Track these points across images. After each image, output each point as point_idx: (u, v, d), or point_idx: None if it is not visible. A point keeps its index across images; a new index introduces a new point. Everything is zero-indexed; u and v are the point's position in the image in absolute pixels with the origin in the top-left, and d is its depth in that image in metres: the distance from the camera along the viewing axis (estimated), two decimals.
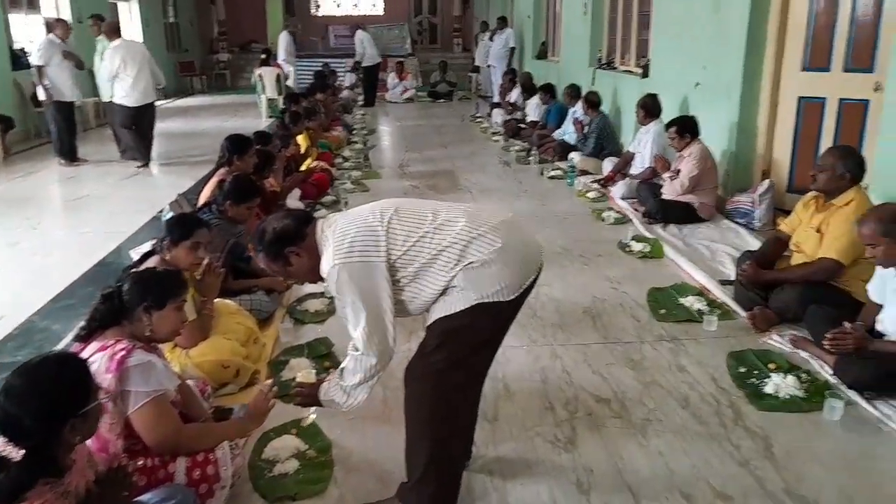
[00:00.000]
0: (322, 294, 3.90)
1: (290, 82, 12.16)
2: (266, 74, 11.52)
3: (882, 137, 3.84)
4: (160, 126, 8.68)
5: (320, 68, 12.74)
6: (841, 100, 4.77)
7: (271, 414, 2.72)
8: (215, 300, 3.09)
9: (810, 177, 3.45)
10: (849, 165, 3.29)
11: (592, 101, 7.31)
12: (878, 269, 2.97)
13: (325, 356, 3.21)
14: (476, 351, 2.09)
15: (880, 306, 2.98)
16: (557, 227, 5.32)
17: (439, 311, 2.03)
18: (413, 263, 2.00)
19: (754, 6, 5.02)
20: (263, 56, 12.04)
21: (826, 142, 4.79)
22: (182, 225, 2.95)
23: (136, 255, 4.03)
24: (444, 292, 2.01)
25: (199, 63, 17.79)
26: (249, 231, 3.98)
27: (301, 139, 6.48)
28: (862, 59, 4.60)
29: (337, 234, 2.02)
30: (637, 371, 3.08)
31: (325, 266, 2.01)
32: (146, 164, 7.79)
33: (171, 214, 4.16)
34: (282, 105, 9.25)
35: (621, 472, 2.39)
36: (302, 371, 2.69)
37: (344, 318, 2.08)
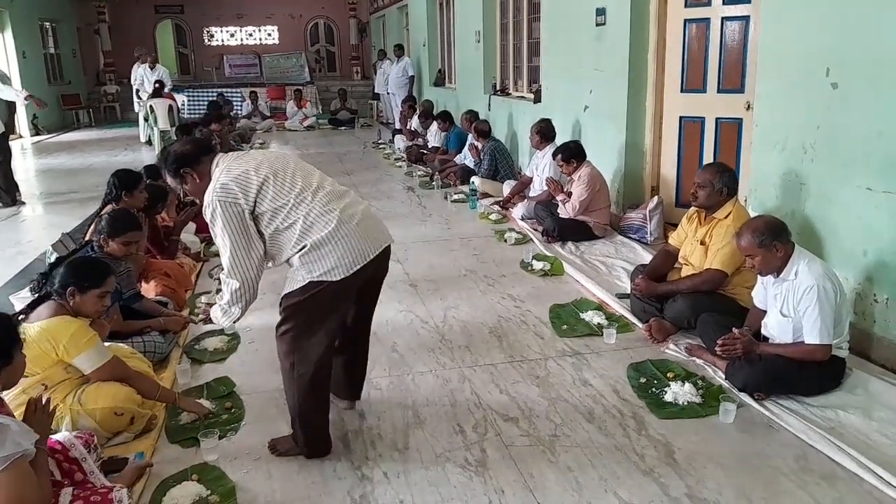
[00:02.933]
0: (221, 331, 3.76)
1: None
2: (158, 106, 11.11)
3: (754, 153, 4.11)
4: (42, 163, 8.20)
5: (214, 98, 12.41)
6: (717, 119, 5.09)
7: (169, 460, 2.61)
8: (107, 345, 2.91)
9: (691, 194, 3.65)
10: (725, 181, 3.50)
11: (481, 130, 7.52)
12: (760, 277, 3.16)
13: (225, 396, 3.08)
14: (314, 322, 2.43)
15: (764, 311, 3.17)
16: (462, 250, 5.38)
17: (285, 289, 2.43)
18: (271, 225, 2.36)
19: (633, 34, 5.30)
20: (156, 86, 11.61)
21: (707, 158, 5.09)
22: (92, 271, 2.80)
23: (17, 302, 3.77)
24: (290, 265, 2.41)
25: (84, 95, 16.98)
26: (138, 269, 3.81)
27: None
28: (733, 80, 4.94)
29: (222, 170, 2.39)
30: (543, 387, 3.13)
31: (206, 197, 2.36)
32: (13, 203, 7.27)
33: (55, 256, 3.91)
34: (174, 137, 8.92)
35: (532, 491, 2.40)
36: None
37: (217, 245, 2.42)
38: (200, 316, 2.84)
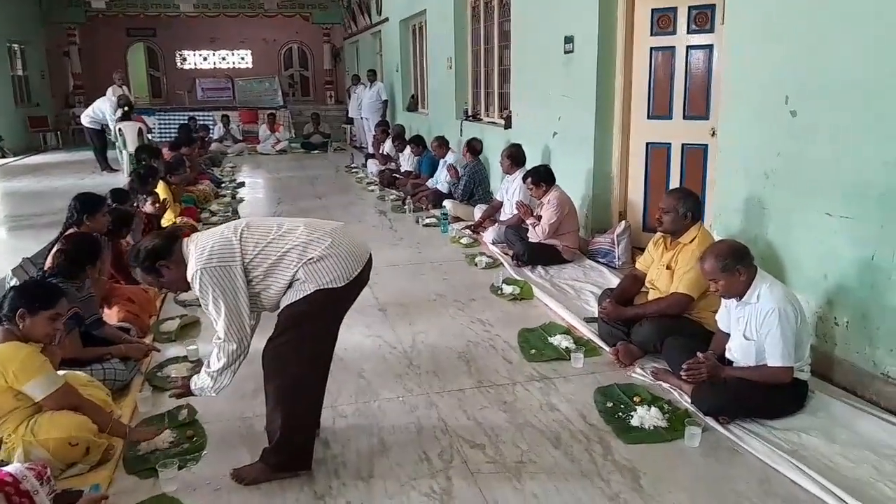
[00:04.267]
0: (185, 358, 3.70)
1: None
2: (126, 129, 10.97)
3: (719, 178, 4.19)
4: (6, 186, 8.06)
5: (185, 121, 12.32)
6: (683, 144, 5.19)
7: (127, 491, 2.54)
8: (63, 373, 2.84)
9: (657, 219, 3.70)
10: (688, 205, 3.55)
11: (473, 147, 7.54)
12: (724, 301, 3.19)
13: (187, 425, 3.01)
14: (317, 330, 2.54)
15: (729, 335, 3.20)
16: (433, 274, 5.37)
17: (285, 301, 2.50)
18: (263, 264, 2.47)
19: (600, 61, 5.39)
20: (125, 109, 11.49)
21: (674, 183, 5.17)
22: (41, 292, 2.72)
23: None
24: (290, 286, 2.48)
25: (52, 118, 16.75)
26: (100, 294, 3.74)
27: (161, 190, 6.18)
28: (698, 107, 5.04)
29: (199, 246, 2.47)
30: (510, 413, 3.12)
31: (190, 271, 2.44)
32: None
33: (14, 281, 3.82)
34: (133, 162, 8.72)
35: None
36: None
37: (209, 314, 2.50)
38: (172, 392, 2.85)
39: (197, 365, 3.64)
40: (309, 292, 2.46)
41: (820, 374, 3.33)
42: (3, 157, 13.38)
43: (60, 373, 2.78)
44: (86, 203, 4.03)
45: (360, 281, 2.58)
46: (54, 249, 3.43)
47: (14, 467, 2.28)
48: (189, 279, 2.46)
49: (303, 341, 2.51)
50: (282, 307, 2.52)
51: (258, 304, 2.56)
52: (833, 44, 3.22)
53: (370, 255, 2.68)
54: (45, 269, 3.45)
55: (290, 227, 2.55)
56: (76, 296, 3.27)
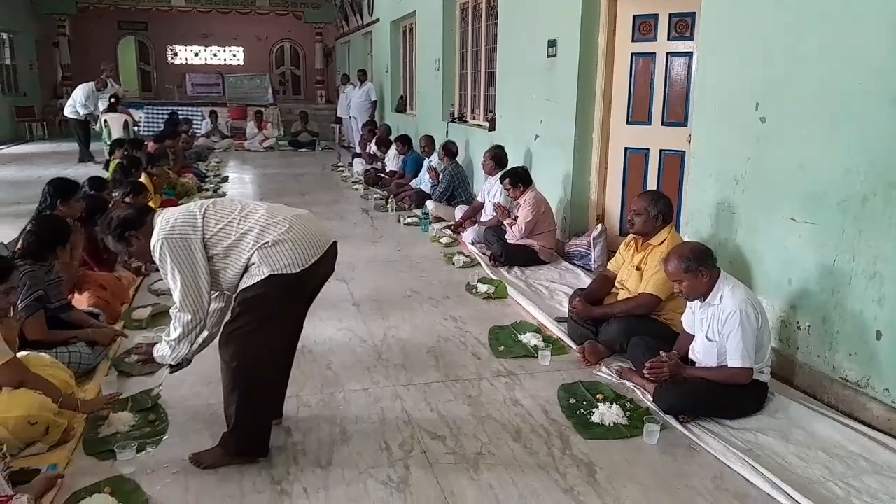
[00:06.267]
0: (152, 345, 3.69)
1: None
2: (112, 121, 10.94)
3: (690, 182, 4.24)
4: None
5: (168, 115, 12.32)
6: (661, 150, 5.24)
7: (84, 472, 2.54)
8: (25, 353, 2.85)
9: (628, 221, 3.74)
10: (660, 207, 3.59)
11: (449, 150, 7.57)
12: (689, 302, 3.23)
13: (150, 409, 3.01)
14: (272, 315, 2.52)
15: (693, 336, 3.24)
16: (410, 272, 5.39)
17: (241, 285, 2.52)
18: (222, 243, 2.51)
19: (582, 66, 5.44)
20: (112, 100, 11.45)
21: (651, 188, 5.22)
22: None
23: None
24: (246, 270, 2.50)
25: (39, 108, 16.66)
26: (69, 279, 3.73)
27: (145, 180, 6.17)
28: (677, 114, 5.11)
29: (164, 218, 2.55)
30: (473, 406, 3.14)
31: (153, 241, 2.51)
32: None
33: None
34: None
35: None
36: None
37: (167, 283, 2.57)
38: (136, 358, 3.07)
39: None
40: (262, 277, 2.46)
41: (781, 377, 3.38)
42: None
43: (22, 354, 2.77)
44: (59, 188, 4.04)
45: (317, 269, 2.56)
46: (25, 230, 3.43)
47: None
48: (151, 246, 2.52)
49: (256, 327, 2.49)
50: (237, 292, 2.54)
51: (218, 283, 2.58)
52: (801, 52, 3.28)
53: (334, 244, 2.66)
54: (15, 250, 3.44)
55: (251, 209, 2.59)
56: (43, 279, 3.26)
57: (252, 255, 2.48)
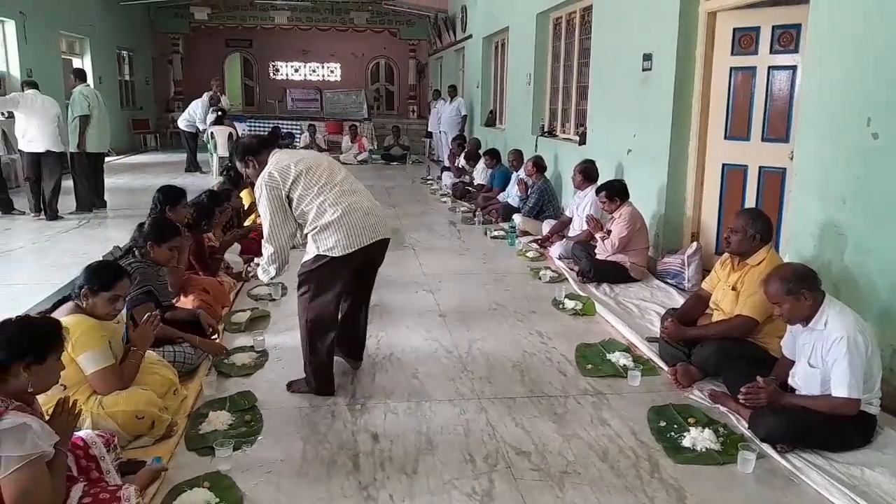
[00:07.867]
0: (251, 348, 3.86)
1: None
2: (218, 133, 11.57)
3: (792, 201, 4.05)
4: (107, 182, 8.70)
5: (270, 129, 12.86)
6: (761, 167, 5.04)
7: (185, 466, 2.68)
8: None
9: (724, 239, 3.61)
10: (758, 227, 3.45)
11: (539, 165, 7.55)
12: (789, 326, 3.09)
13: (246, 410, 3.15)
14: (323, 285, 3.15)
15: (793, 361, 3.09)
16: (496, 285, 5.40)
17: (302, 260, 3.19)
18: (299, 207, 3.10)
19: (678, 79, 5.32)
20: (219, 114, 12.11)
21: (749, 205, 5.01)
22: (103, 274, 2.90)
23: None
24: (308, 240, 3.15)
25: (153, 121, 17.79)
26: (175, 282, 3.96)
27: (245, 195, 6.49)
28: (778, 130, 4.90)
29: (273, 160, 3.16)
30: (559, 424, 3.11)
31: (258, 180, 3.13)
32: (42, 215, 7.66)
33: None
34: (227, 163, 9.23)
35: None
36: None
37: (261, 216, 3.22)
38: (251, 273, 4.02)
39: (262, 355, 3.81)
40: (311, 255, 3.12)
41: (892, 410, 3.16)
42: (108, 155, 14.27)
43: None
44: (168, 194, 4.31)
45: (357, 256, 3.09)
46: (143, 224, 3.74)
47: (86, 433, 2.46)
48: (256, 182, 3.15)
49: (313, 294, 3.15)
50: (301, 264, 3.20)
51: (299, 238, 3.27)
52: None
53: (383, 238, 3.19)
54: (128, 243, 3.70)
55: (328, 188, 3.10)
56: (154, 276, 3.50)
57: (308, 232, 3.09)
